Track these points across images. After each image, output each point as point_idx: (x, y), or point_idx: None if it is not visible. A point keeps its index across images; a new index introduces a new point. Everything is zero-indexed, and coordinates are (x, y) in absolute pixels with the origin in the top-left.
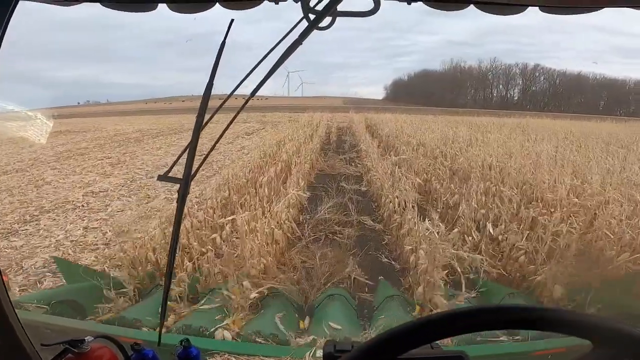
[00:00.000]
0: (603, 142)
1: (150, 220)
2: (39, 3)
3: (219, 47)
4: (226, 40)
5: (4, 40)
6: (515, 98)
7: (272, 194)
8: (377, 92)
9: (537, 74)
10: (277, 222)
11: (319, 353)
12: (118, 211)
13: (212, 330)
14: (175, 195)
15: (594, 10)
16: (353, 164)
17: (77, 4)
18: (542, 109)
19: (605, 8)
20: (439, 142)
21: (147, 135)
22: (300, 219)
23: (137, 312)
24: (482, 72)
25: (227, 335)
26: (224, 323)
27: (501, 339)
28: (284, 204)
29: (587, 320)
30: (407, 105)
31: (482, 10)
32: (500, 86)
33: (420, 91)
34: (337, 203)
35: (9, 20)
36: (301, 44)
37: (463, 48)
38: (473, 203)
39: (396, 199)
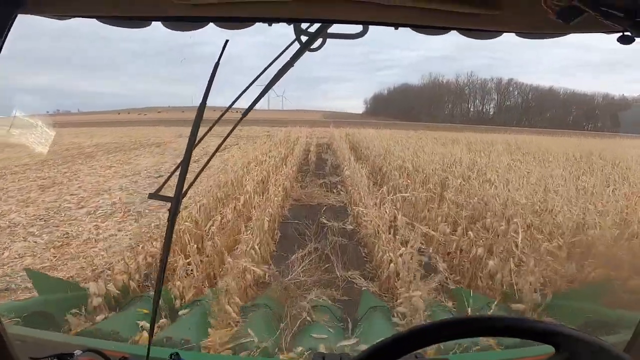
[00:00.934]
0: None
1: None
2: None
3: (213, 67)
4: (220, 61)
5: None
6: (491, 112)
7: (215, 264)
8: (357, 106)
9: (511, 89)
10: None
11: None
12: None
13: (195, 342)
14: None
15: (559, 36)
16: (335, 191)
17: (74, 19)
18: (517, 124)
19: (572, 34)
20: (436, 166)
21: (103, 150)
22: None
23: (116, 325)
24: (460, 86)
25: (212, 347)
26: (208, 335)
27: (482, 346)
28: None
29: (548, 327)
30: (387, 119)
31: (462, 35)
32: (477, 101)
33: (400, 106)
34: (315, 249)
35: (7, 34)
36: (292, 65)
37: (442, 62)
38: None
39: (399, 258)
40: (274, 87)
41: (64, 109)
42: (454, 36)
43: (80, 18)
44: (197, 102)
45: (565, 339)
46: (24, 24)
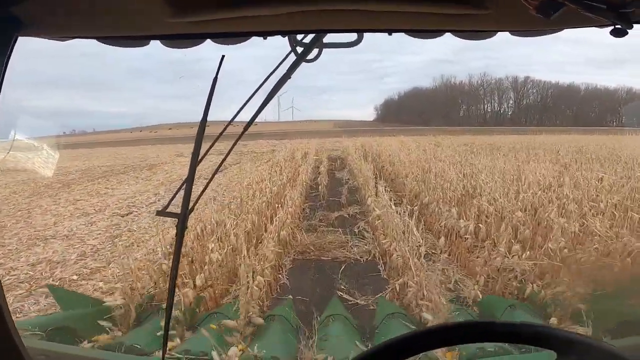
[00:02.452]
0: None
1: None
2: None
3: (211, 84)
4: (218, 76)
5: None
6: (510, 113)
7: None
8: (368, 114)
9: (529, 87)
10: None
11: None
12: None
13: (211, 355)
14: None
15: (552, 32)
16: (357, 232)
17: (72, 39)
18: (538, 124)
19: (565, 29)
20: (502, 189)
21: (87, 176)
22: None
23: (134, 338)
24: (474, 87)
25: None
26: (224, 347)
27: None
28: None
29: (551, 332)
30: (401, 125)
31: (457, 36)
32: (493, 101)
33: (413, 110)
34: None
35: (10, 57)
36: (290, 77)
37: (449, 65)
38: None
39: None
40: (280, 98)
41: (79, 129)
42: (456, 39)
43: (81, 39)
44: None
45: (567, 343)
46: (38, 47)
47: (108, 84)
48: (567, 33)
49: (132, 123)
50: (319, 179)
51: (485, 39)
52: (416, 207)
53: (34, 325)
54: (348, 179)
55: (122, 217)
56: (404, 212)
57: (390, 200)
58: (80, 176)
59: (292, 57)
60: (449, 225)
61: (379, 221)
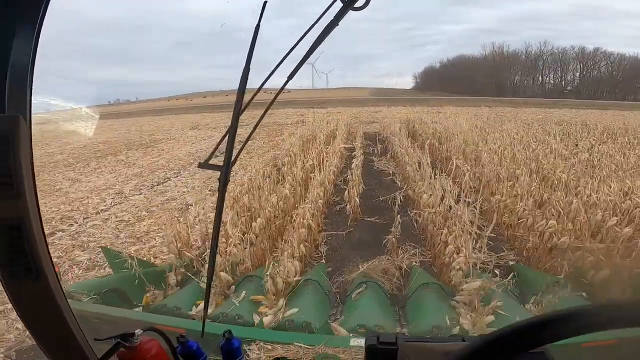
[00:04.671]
0: None
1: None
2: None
3: (253, 32)
4: (260, 24)
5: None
6: (572, 84)
7: None
8: (405, 82)
9: (597, 59)
10: None
11: (353, 342)
12: None
13: (248, 317)
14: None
15: None
16: None
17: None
18: (600, 97)
19: None
20: None
21: (89, 152)
22: None
23: (178, 301)
24: (531, 57)
25: (263, 322)
26: (259, 310)
27: None
28: None
29: None
30: (443, 94)
31: None
32: (556, 72)
33: (459, 79)
34: None
35: (43, 19)
36: (337, 24)
37: (493, 35)
38: None
39: None
40: (314, 65)
41: (124, 98)
42: (497, 10)
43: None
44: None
45: None
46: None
47: (151, 55)
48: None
49: (172, 91)
50: (348, 172)
51: None
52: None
53: (90, 287)
54: (393, 174)
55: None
56: None
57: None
58: (79, 155)
59: (338, 6)
60: None
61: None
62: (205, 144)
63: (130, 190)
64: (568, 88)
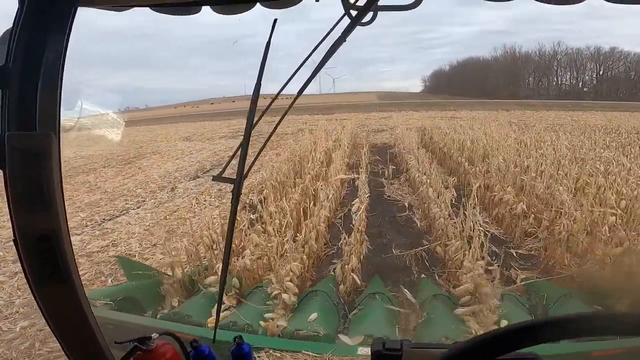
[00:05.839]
0: None
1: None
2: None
3: (264, 49)
4: (271, 40)
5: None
6: (589, 85)
7: None
8: (413, 85)
9: (614, 59)
10: None
11: (360, 351)
12: None
13: (257, 326)
14: None
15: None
16: None
17: (128, 10)
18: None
19: None
20: None
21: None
22: None
23: (190, 309)
24: (545, 58)
25: (271, 331)
26: (268, 319)
27: None
28: None
29: None
30: (454, 97)
31: (540, 1)
32: (572, 73)
33: (470, 81)
34: None
35: (71, 28)
36: (345, 41)
37: (502, 37)
38: None
39: None
40: (326, 70)
41: (133, 106)
42: (506, 10)
43: (134, 8)
44: (249, 91)
45: None
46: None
47: (162, 63)
48: None
49: (181, 99)
50: (349, 205)
51: (571, 4)
52: None
53: (106, 294)
54: (410, 207)
55: None
56: None
57: None
58: None
59: (345, 23)
60: None
61: None
62: (190, 159)
63: (70, 229)
64: (584, 89)
